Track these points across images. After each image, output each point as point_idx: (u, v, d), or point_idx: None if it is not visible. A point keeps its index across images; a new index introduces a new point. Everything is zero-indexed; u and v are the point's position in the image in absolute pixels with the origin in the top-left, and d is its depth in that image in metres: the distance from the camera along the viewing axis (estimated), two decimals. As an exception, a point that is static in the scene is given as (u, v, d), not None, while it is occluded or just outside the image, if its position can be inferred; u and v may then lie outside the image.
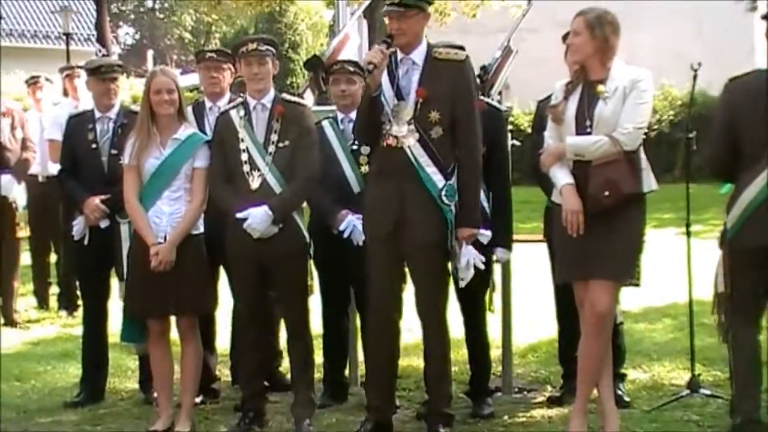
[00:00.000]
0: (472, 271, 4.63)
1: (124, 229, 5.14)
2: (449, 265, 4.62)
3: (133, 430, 5.00)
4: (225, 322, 5.62)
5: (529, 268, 6.48)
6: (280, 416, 5.06)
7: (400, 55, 4.57)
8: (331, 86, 5.44)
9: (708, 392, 5.09)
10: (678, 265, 5.64)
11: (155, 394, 5.07)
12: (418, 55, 4.57)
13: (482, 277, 5.02)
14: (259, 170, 4.74)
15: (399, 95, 4.53)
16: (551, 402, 5.22)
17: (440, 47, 4.62)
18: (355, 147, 5.14)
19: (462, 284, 4.65)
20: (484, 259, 4.75)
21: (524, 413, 5.08)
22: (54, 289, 8.30)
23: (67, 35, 18.59)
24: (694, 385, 5.10)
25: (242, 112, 4.83)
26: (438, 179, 4.50)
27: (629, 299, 5.07)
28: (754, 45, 15.11)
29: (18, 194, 7.56)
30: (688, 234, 5.23)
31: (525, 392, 5.47)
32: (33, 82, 8.52)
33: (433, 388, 4.73)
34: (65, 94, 8.39)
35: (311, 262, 5.08)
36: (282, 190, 4.73)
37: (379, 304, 4.64)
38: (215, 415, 5.20)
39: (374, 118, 4.53)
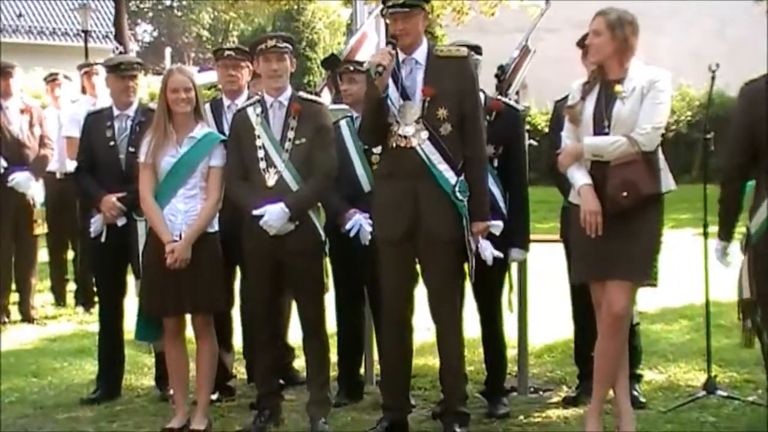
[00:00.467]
0: (490, 260, 4.66)
1: (141, 227, 5.15)
2: (464, 261, 4.61)
3: (149, 426, 5.01)
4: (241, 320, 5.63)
5: (546, 268, 6.47)
6: (295, 414, 5.07)
7: (402, 56, 4.58)
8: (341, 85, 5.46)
9: (724, 393, 5.07)
10: (695, 266, 5.61)
11: (171, 392, 5.09)
12: (421, 54, 4.59)
13: (498, 277, 5.03)
14: (275, 167, 4.75)
15: (404, 95, 4.53)
16: (567, 402, 5.21)
17: (442, 46, 4.66)
18: (367, 146, 5.14)
19: (472, 277, 4.65)
20: (499, 254, 4.74)
21: (540, 413, 5.07)
22: (71, 286, 8.34)
23: (86, 32, 18.66)
24: (710, 386, 5.08)
25: (259, 110, 4.84)
26: (450, 176, 4.52)
27: (646, 300, 5.06)
28: (774, 46, 15.09)
29: (36, 191, 7.61)
30: (705, 235, 5.20)
31: (540, 392, 5.46)
32: (51, 80, 8.56)
33: (448, 388, 4.72)
34: (83, 91, 8.42)
35: (327, 260, 5.09)
36: (298, 188, 4.74)
37: (393, 305, 4.65)
38: (231, 412, 5.22)
39: (381, 119, 4.54)
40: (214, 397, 5.15)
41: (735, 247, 4.38)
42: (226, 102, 5.51)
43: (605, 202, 4.25)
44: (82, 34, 20.47)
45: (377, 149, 4.95)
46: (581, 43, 5.18)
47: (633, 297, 4.44)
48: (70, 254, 8.29)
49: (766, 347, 4.45)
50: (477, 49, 5.11)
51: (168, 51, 30.62)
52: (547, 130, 6.35)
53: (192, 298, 4.78)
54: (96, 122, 5.62)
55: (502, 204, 5.00)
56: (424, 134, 4.51)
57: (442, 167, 4.51)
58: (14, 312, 7.74)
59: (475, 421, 4.84)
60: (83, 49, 18.29)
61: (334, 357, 5.24)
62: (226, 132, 5.08)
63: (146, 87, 16.50)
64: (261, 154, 4.77)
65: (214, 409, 5.13)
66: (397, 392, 4.73)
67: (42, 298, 8.29)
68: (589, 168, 4.33)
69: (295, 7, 26.42)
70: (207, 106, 5.39)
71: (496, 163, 4.99)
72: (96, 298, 6.46)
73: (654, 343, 6.16)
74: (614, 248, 4.26)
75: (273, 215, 4.66)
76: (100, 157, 5.53)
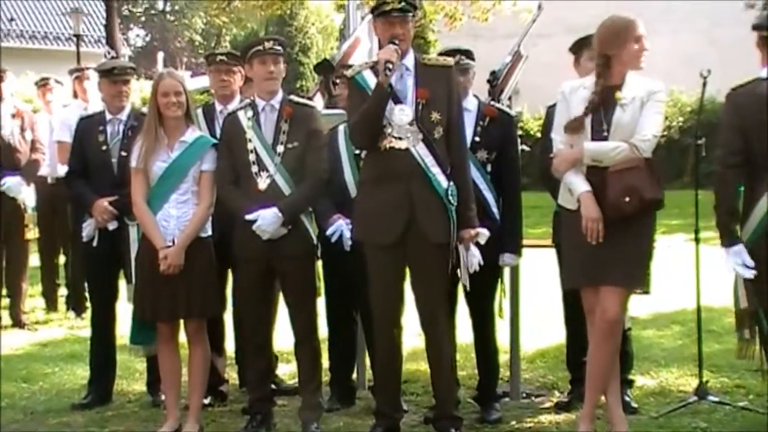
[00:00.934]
0: (473, 269, 4.63)
1: (133, 231, 5.15)
2: (452, 267, 4.59)
3: (140, 432, 5.01)
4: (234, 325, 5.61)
5: (538, 273, 6.48)
6: (287, 420, 5.06)
7: None
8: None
9: (716, 399, 5.08)
10: (686, 271, 5.62)
11: (163, 397, 5.08)
12: (410, 60, 4.62)
13: (491, 282, 5.03)
14: (267, 171, 4.74)
15: (395, 99, 4.54)
16: (559, 407, 5.21)
17: (427, 56, 4.69)
18: (357, 152, 5.14)
19: (466, 283, 4.64)
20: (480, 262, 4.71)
21: (532, 419, 5.07)
22: (62, 291, 8.32)
23: (78, 37, 18.64)
24: (702, 391, 5.08)
25: (250, 113, 4.83)
26: (442, 179, 4.53)
27: (638, 305, 5.07)
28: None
29: (27, 196, 7.59)
30: (697, 240, 5.21)
31: (533, 398, 5.46)
32: (43, 84, 8.55)
33: (440, 393, 4.72)
34: (75, 95, 8.41)
35: (318, 264, 5.09)
36: (291, 192, 4.73)
37: (385, 310, 4.64)
38: (223, 417, 5.20)
39: (381, 120, 4.53)
40: (206, 401, 5.14)
41: (740, 248, 4.32)
42: (219, 107, 5.51)
43: (605, 208, 4.24)
44: (74, 39, 20.45)
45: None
46: (573, 49, 5.19)
47: (626, 303, 4.44)
48: (62, 259, 8.28)
49: None
50: (469, 54, 5.13)
51: (160, 56, 30.57)
52: (539, 135, 6.37)
53: (185, 303, 4.77)
54: (88, 127, 5.61)
55: (495, 209, 5.00)
56: (419, 137, 4.51)
57: (435, 170, 4.52)
58: (5, 317, 7.72)
59: (467, 427, 4.83)
60: (75, 54, 18.27)
61: (326, 362, 5.24)
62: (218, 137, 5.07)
63: (138, 91, 16.48)
64: (252, 157, 4.76)
65: (206, 414, 5.12)
66: (389, 399, 4.73)
67: (33, 303, 8.27)
68: (585, 173, 4.33)
69: (288, 12, 26.47)
70: (199, 111, 5.39)
71: (489, 168, 5.00)
72: (87, 303, 6.45)
73: (646, 349, 6.17)
74: (608, 254, 4.26)
75: (266, 220, 4.65)
76: (92, 162, 5.52)
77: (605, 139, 4.29)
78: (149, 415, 5.25)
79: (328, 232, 5.07)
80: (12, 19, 26.46)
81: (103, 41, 20.46)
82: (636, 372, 5.47)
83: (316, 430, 4.79)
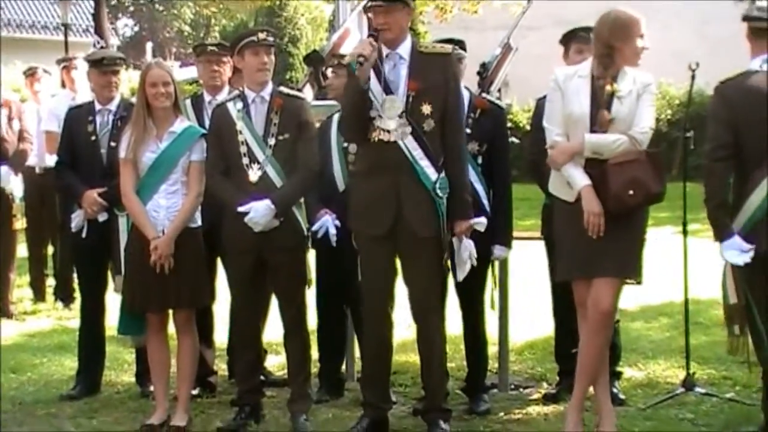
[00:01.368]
0: (469, 265, 4.62)
1: (122, 222, 5.13)
2: (444, 259, 4.59)
3: (129, 423, 4.99)
4: (223, 316, 5.61)
5: (527, 265, 6.49)
6: (276, 411, 5.06)
7: (386, 51, 4.57)
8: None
9: (703, 390, 5.11)
10: (674, 264, 5.65)
11: (152, 387, 5.07)
12: (404, 49, 4.58)
13: (481, 274, 5.03)
14: (258, 163, 4.73)
15: (387, 90, 4.52)
16: (547, 399, 5.23)
17: (426, 42, 4.65)
18: (345, 144, 5.14)
19: (460, 277, 4.65)
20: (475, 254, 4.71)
21: (520, 410, 5.09)
22: (50, 281, 8.29)
23: (66, 26, 18.48)
24: (689, 383, 5.11)
25: (240, 105, 4.81)
26: (431, 172, 4.51)
27: (626, 298, 5.07)
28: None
29: (15, 186, 7.56)
30: (685, 233, 5.24)
31: (521, 389, 5.48)
32: (31, 74, 8.51)
33: (431, 384, 4.72)
34: (63, 85, 8.38)
35: (311, 255, 5.08)
36: (282, 184, 4.73)
37: (375, 302, 4.64)
38: (211, 409, 5.20)
39: (363, 112, 4.52)
40: (194, 392, 5.14)
41: (734, 239, 4.28)
42: (207, 97, 5.50)
43: (607, 201, 4.23)
44: (62, 28, 20.30)
45: (352, 149, 4.95)
46: (563, 41, 5.20)
47: (619, 295, 4.45)
48: (50, 249, 8.25)
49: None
50: (461, 44, 5.13)
51: (149, 46, 30.45)
52: (528, 127, 6.37)
53: (175, 293, 4.76)
54: (77, 117, 5.59)
55: (485, 201, 5.00)
56: (407, 129, 4.50)
57: (424, 163, 4.51)
58: (-7, 307, 7.69)
59: (455, 418, 4.85)
60: (63, 43, 18.14)
61: (315, 353, 5.24)
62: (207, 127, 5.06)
63: (127, 81, 16.41)
64: (243, 149, 4.75)
65: (195, 405, 5.12)
66: (377, 390, 4.73)
67: (21, 293, 8.24)
68: (583, 166, 4.31)
69: (278, 2, 26.38)
70: (188, 101, 5.38)
71: (480, 160, 5.01)
72: (75, 294, 6.43)
73: (634, 341, 6.19)
74: (602, 246, 4.26)
75: (259, 212, 4.64)
76: (81, 152, 5.50)
77: (604, 131, 4.28)
78: (138, 406, 5.24)
79: (314, 227, 5.07)
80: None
81: (92, 31, 20.32)
82: (624, 364, 5.49)
83: (305, 422, 4.79)
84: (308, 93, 6.10)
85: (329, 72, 5.47)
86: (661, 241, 7.78)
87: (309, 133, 4.83)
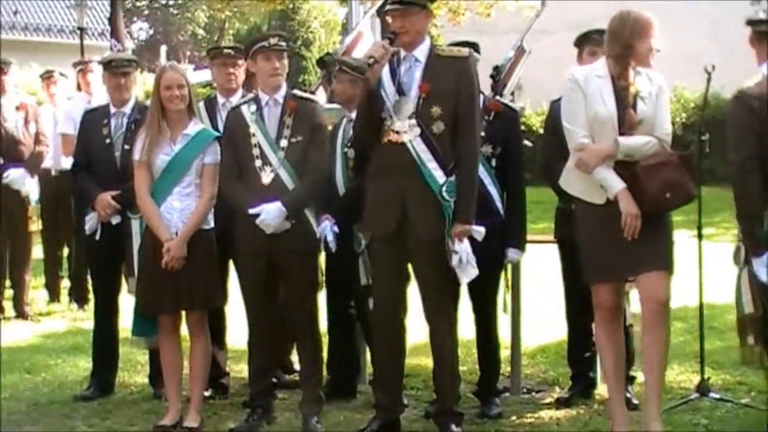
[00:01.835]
0: (472, 270, 4.56)
1: (135, 225, 5.16)
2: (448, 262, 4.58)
3: (142, 424, 5.01)
4: (236, 319, 5.62)
5: (539, 268, 6.48)
6: (288, 413, 5.07)
7: (403, 53, 4.58)
8: None
9: (717, 396, 5.07)
10: (689, 268, 5.62)
11: (165, 389, 5.09)
12: (421, 52, 4.58)
13: (493, 277, 5.03)
14: (271, 165, 4.75)
15: (400, 91, 4.53)
16: (559, 403, 5.21)
17: (444, 46, 4.65)
18: (345, 150, 5.15)
19: (464, 281, 4.61)
20: (474, 271, 4.60)
21: (532, 414, 5.08)
22: (65, 283, 8.34)
23: (82, 30, 18.63)
24: (703, 388, 5.08)
25: (254, 108, 4.84)
26: (439, 175, 4.50)
27: (639, 302, 5.07)
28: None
29: (31, 188, 7.60)
30: (700, 237, 5.21)
31: (533, 393, 5.47)
32: (47, 77, 8.57)
33: (442, 388, 4.72)
34: (79, 88, 8.42)
35: (321, 258, 5.09)
36: (294, 186, 4.74)
37: (385, 304, 4.64)
38: (224, 410, 5.21)
39: (374, 113, 4.53)
40: (207, 394, 5.15)
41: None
42: (221, 100, 5.51)
43: (644, 204, 4.21)
44: (78, 32, 20.44)
45: (350, 153, 4.99)
46: (578, 43, 5.19)
47: (670, 286, 4.39)
48: (65, 251, 8.29)
49: None
50: (475, 47, 5.13)
51: (163, 49, 30.63)
52: (541, 131, 6.36)
53: (187, 295, 4.78)
54: (92, 120, 5.62)
55: (499, 204, 5.00)
56: (416, 131, 4.50)
57: (432, 166, 4.49)
58: (8, 308, 7.74)
59: (467, 422, 4.83)
60: (79, 47, 18.27)
61: (325, 355, 5.24)
62: (221, 130, 5.07)
63: (141, 84, 16.47)
64: (256, 152, 4.76)
65: (207, 406, 5.13)
66: (389, 392, 4.72)
67: (36, 294, 8.28)
68: (614, 168, 4.28)
69: (291, 6, 26.44)
70: (201, 104, 5.39)
71: (494, 163, 5.00)
72: (89, 295, 6.46)
73: (647, 345, 6.16)
74: (635, 246, 4.23)
75: (270, 214, 4.66)
76: (95, 155, 5.52)
77: (631, 134, 4.26)
78: (151, 407, 5.26)
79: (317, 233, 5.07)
80: (16, 12, 26.49)
81: (107, 34, 20.46)
82: (638, 368, 5.45)
83: (316, 424, 4.80)
84: (321, 96, 6.11)
85: (335, 76, 5.48)
86: (675, 245, 7.75)
87: (321, 136, 4.84)
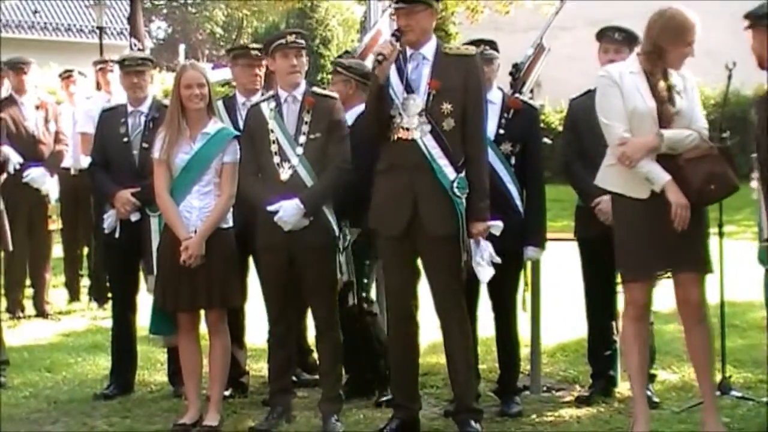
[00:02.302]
0: (490, 267, 4.56)
1: (155, 222, 5.17)
2: (464, 261, 4.55)
3: (161, 422, 5.02)
4: (255, 317, 5.63)
5: (559, 266, 6.45)
6: (307, 412, 5.07)
7: (409, 51, 4.58)
8: None
9: (739, 394, 5.05)
10: (710, 266, 5.58)
11: (184, 387, 5.10)
12: (428, 50, 4.59)
13: (513, 275, 5.01)
14: (289, 162, 4.75)
15: (408, 89, 4.53)
16: (580, 401, 5.19)
17: (450, 44, 4.67)
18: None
19: (485, 280, 4.61)
20: (497, 260, 4.63)
21: (552, 412, 5.06)
22: (85, 281, 8.38)
23: (101, 29, 18.66)
24: (724, 386, 5.05)
25: (273, 104, 4.84)
26: (449, 171, 4.49)
27: (660, 300, 5.05)
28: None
29: (51, 187, 7.65)
30: (721, 235, 5.17)
31: (553, 391, 5.45)
32: (66, 76, 8.61)
33: (459, 384, 4.70)
34: (98, 87, 8.46)
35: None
36: (313, 183, 4.74)
37: (397, 302, 4.64)
38: (243, 409, 5.22)
39: (382, 110, 4.53)
40: (226, 393, 5.16)
41: None
42: (241, 99, 5.50)
43: (689, 196, 4.20)
44: (97, 31, 20.51)
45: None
46: (599, 37, 5.17)
47: (704, 285, 4.41)
48: (85, 250, 8.33)
49: None
50: (492, 45, 5.12)
51: (182, 48, 30.72)
52: (561, 128, 6.33)
53: (206, 293, 4.79)
54: (110, 119, 5.63)
55: (518, 202, 4.99)
56: (426, 127, 4.50)
57: (442, 162, 4.49)
58: (29, 307, 7.79)
59: (487, 420, 4.82)
60: (98, 46, 18.34)
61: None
62: (241, 129, 5.07)
63: (160, 83, 16.54)
64: (275, 148, 4.77)
65: (227, 405, 5.14)
66: (405, 390, 4.72)
67: (56, 293, 8.32)
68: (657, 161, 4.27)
69: (309, 4, 26.47)
70: (219, 102, 5.39)
71: (513, 161, 4.99)
72: (109, 294, 6.49)
73: (668, 343, 6.13)
74: (676, 241, 4.22)
75: (288, 211, 4.66)
76: (113, 154, 5.53)
77: (671, 127, 4.26)
78: (170, 406, 5.27)
79: None
80: (36, 12, 26.64)
81: (126, 33, 20.51)
82: (658, 366, 5.44)
83: (335, 423, 4.80)
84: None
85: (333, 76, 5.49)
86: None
87: (340, 133, 4.83)
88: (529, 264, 5.19)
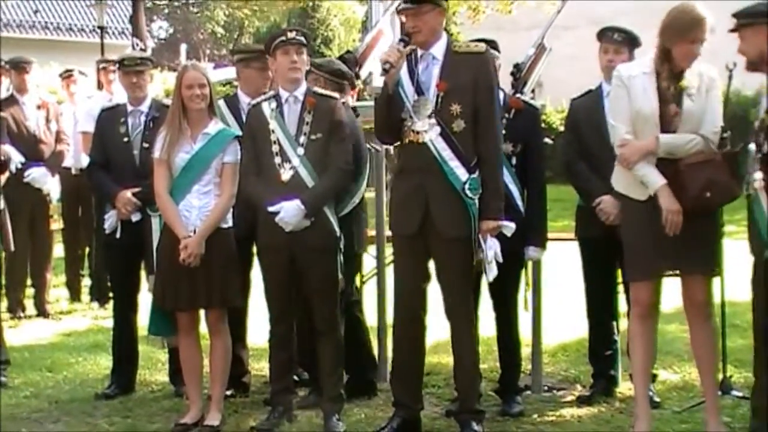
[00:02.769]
0: (495, 265, 4.57)
1: (155, 222, 5.17)
2: (475, 259, 4.56)
3: (162, 422, 5.03)
4: (256, 317, 5.63)
5: (560, 266, 6.45)
6: (309, 411, 5.07)
7: (420, 51, 4.57)
8: None
9: (739, 394, 5.05)
10: (711, 265, 5.58)
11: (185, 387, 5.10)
12: (438, 49, 4.57)
13: (514, 275, 5.01)
14: (290, 162, 4.75)
15: (419, 90, 4.52)
16: (581, 401, 5.20)
17: (461, 42, 4.65)
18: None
19: (490, 278, 4.62)
20: (500, 259, 4.64)
21: (553, 412, 5.06)
22: (86, 281, 8.38)
23: (102, 29, 18.69)
24: (725, 386, 5.05)
25: (274, 104, 4.84)
26: (461, 173, 4.49)
27: (662, 300, 5.05)
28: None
29: (52, 186, 7.66)
30: (721, 235, 5.17)
31: (554, 391, 5.45)
32: (67, 76, 8.61)
33: (463, 386, 4.71)
34: (99, 87, 8.46)
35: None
36: (314, 184, 4.74)
37: (405, 302, 4.64)
38: (245, 408, 5.23)
39: (393, 115, 4.53)
40: (228, 392, 5.16)
41: None
42: (246, 99, 5.46)
43: (685, 202, 4.18)
44: (98, 31, 20.52)
45: None
46: (600, 36, 5.17)
47: (711, 285, 4.42)
48: (86, 250, 8.33)
49: None
50: (493, 45, 5.11)
51: (183, 47, 30.67)
52: (562, 128, 6.32)
53: (205, 293, 4.79)
54: (109, 118, 5.63)
55: (519, 202, 4.99)
56: (436, 129, 4.49)
57: (453, 164, 4.48)
58: (30, 306, 7.79)
59: (488, 420, 4.82)
60: (99, 46, 18.34)
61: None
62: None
63: (161, 83, 16.55)
64: (276, 149, 4.77)
65: (228, 404, 5.14)
66: (408, 390, 4.72)
67: (57, 293, 8.33)
68: (656, 164, 4.25)
69: (310, 4, 26.49)
70: (221, 102, 5.39)
71: (514, 161, 4.98)
72: (111, 294, 6.49)
73: (669, 343, 6.14)
74: (680, 243, 4.21)
75: (289, 212, 4.66)
76: (114, 153, 5.53)
77: (675, 131, 4.22)
78: (172, 405, 5.28)
79: None
80: (36, 11, 26.66)
81: (127, 33, 20.50)
82: (659, 366, 5.44)
83: (337, 422, 4.80)
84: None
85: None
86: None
87: (341, 133, 4.83)
88: (530, 264, 5.19)
